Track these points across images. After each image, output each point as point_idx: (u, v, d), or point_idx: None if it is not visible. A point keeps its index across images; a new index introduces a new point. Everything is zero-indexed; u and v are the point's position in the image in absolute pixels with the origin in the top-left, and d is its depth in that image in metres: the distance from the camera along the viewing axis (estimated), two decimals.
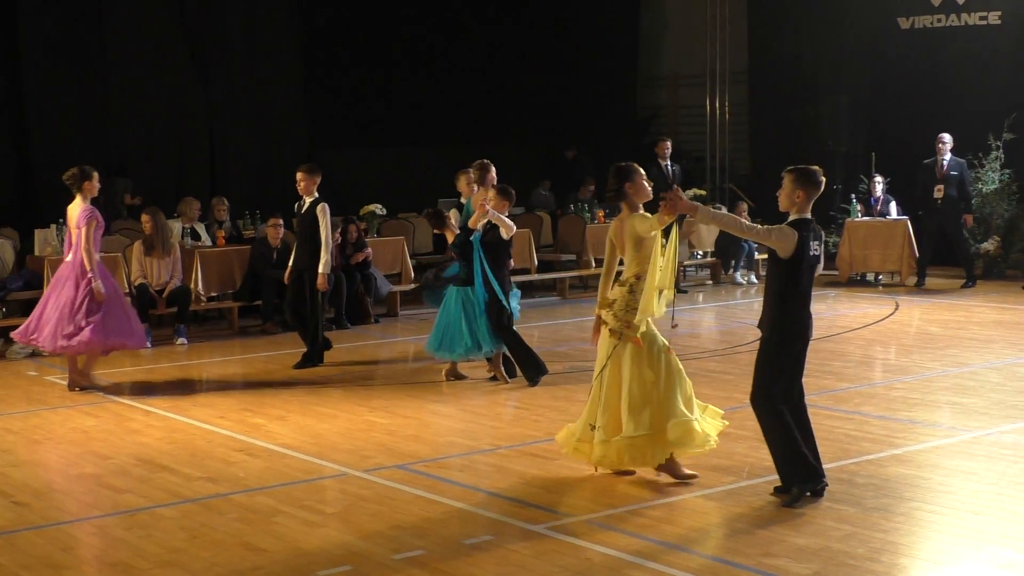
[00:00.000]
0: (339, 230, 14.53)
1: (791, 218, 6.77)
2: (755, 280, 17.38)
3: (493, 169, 10.94)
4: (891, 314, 14.29)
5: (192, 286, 13.91)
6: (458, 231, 10.63)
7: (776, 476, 6.84)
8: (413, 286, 14.85)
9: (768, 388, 6.75)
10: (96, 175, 10.41)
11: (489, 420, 9.13)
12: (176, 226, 14.57)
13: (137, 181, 17.60)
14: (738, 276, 17.44)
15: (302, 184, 11.41)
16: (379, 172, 19.59)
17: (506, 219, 10.35)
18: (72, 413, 9.66)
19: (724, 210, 12.31)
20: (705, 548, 6.00)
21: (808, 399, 9.24)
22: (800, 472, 6.71)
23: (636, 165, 7.42)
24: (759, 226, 6.84)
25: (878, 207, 17.21)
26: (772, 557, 5.88)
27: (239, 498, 7.18)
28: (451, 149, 18.59)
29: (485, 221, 10.25)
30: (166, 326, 13.55)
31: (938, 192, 16.37)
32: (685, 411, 7.11)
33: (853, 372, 10.65)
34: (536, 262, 16.56)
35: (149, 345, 12.42)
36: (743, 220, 6.98)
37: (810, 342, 6.88)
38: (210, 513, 6.87)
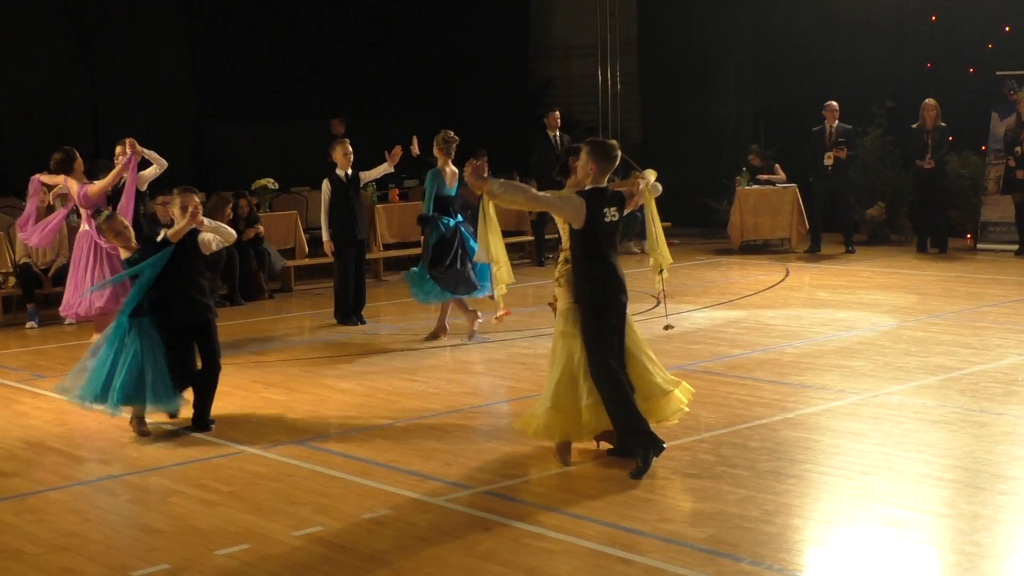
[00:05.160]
0: (230, 205, 14.31)
1: (586, 188, 6.83)
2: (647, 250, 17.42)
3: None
4: (781, 280, 14.57)
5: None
6: None
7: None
8: (307, 260, 14.71)
9: (599, 357, 6.75)
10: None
11: (386, 394, 9.10)
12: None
13: (17, 155, 17.08)
14: (632, 245, 17.50)
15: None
16: (270, 146, 19.28)
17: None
18: None
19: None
20: (603, 515, 6.05)
21: (701, 365, 9.36)
22: (641, 440, 6.73)
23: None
24: (548, 195, 6.86)
25: (767, 175, 17.50)
26: (668, 522, 5.96)
27: (133, 479, 7.06)
28: (343, 121, 18.39)
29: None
30: (53, 305, 13.19)
31: (828, 159, 16.69)
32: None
33: (745, 338, 10.83)
34: None
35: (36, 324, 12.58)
36: (531, 190, 6.86)
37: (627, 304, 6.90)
38: (103, 495, 6.75)
